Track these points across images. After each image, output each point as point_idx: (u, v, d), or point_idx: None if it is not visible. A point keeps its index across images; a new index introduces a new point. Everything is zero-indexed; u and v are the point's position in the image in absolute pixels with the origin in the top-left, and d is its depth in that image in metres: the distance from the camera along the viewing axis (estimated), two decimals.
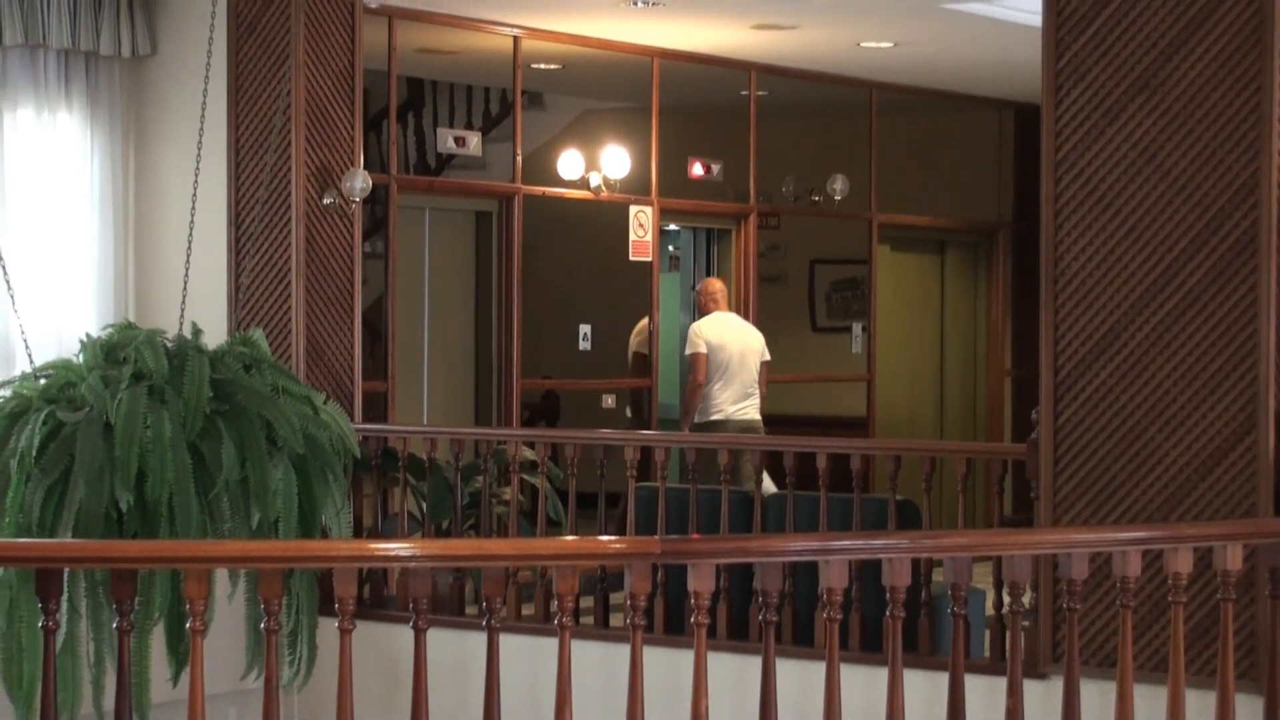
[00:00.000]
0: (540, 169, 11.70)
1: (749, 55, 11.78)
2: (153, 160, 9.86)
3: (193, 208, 7.57)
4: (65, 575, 4.93)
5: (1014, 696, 5.01)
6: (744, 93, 12.29)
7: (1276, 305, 7.06)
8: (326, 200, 9.41)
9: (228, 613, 5.25)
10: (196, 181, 7.63)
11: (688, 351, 11.45)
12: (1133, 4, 7.27)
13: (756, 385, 11.46)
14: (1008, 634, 5.32)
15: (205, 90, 7.49)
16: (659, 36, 11.15)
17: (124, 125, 9.83)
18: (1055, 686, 5.37)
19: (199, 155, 7.40)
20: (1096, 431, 7.33)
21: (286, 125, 9.27)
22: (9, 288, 7.00)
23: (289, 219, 9.34)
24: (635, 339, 11.99)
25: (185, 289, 6.90)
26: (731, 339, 11.45)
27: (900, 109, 13.26)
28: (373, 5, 9.76)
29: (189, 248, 7.28)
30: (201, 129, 8.07)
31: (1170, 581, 5.12)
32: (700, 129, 12.74)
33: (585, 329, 12.26)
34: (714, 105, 12.60)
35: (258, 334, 6.00)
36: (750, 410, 11.44)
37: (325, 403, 5.89)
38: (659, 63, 11.56)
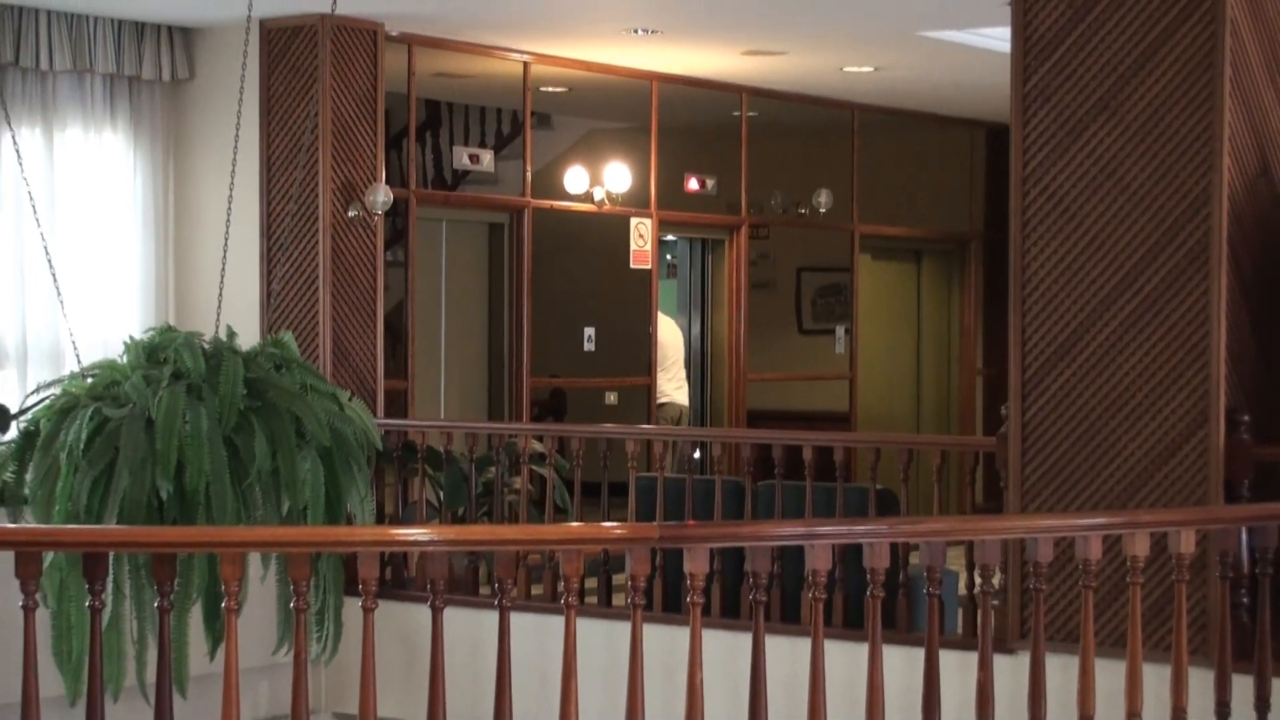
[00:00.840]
0: (548, 184, 11.70)
1: (740, 79, 11.77)
2: (190, 176, 9.86)
3: (227, 219, 7.54)
4: (110, 558, 4.93)
5: (984, 670, 5.01)
6: (736, 113, 12.28)
7: (1227, 310, 7.06)
8: (351, 213, 9.41)
9: (260, 593, 5.23)
10: (231, 195, 7.60)
11: None
12: (1094, 31, 7.27)
13: (684, 375, 12.43)
14: (979, 612, 5.31)
15: (239, 111, 7.46)
16: (657, 62, 11.14)
17: (164, 144, 9.83)
18: (1023, 661, 5.37)
19: (233, 171, 7.37)
20: (1061, 426, 7.32)
21: (314, 144, 9.26)
22: (59, 294, 6.99)
23: (316, 230, 9.34)
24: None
25: (221, 295, 6.88)
26: (669, 339, 12.11)
27: (880, 128, 13.25)
28: (393, 33, 9.75)
29: (224, 256, 7.26)
30: (235, 147, 8.02)
31: (1129, 564, 5.11)
32: (695, 147, 12.73)
33: (590, 331, 12.25)
34: (708, 125, 12.59)
35: (288, 336, 5.98)
36: (683, 395, 12.34)
37: (350, 399, 5.86)
38: (657, 86, 11.55)
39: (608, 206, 11.70)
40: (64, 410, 5.51)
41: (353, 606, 4.89)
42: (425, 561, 4.73)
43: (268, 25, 9.38)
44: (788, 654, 5.39)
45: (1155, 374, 7.14)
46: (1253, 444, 7.07)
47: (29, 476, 5.56)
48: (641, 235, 11.86)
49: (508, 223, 11.35)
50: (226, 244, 7.36)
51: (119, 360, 5.72)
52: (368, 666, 4.57)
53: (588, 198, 11.67)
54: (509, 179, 11.65)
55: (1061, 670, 5.19)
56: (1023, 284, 7.43)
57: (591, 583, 8.39)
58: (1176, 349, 7.11)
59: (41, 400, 5.72)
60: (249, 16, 7.16)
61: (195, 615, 5.45)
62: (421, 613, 4.88)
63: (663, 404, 12.05)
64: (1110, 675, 5.13)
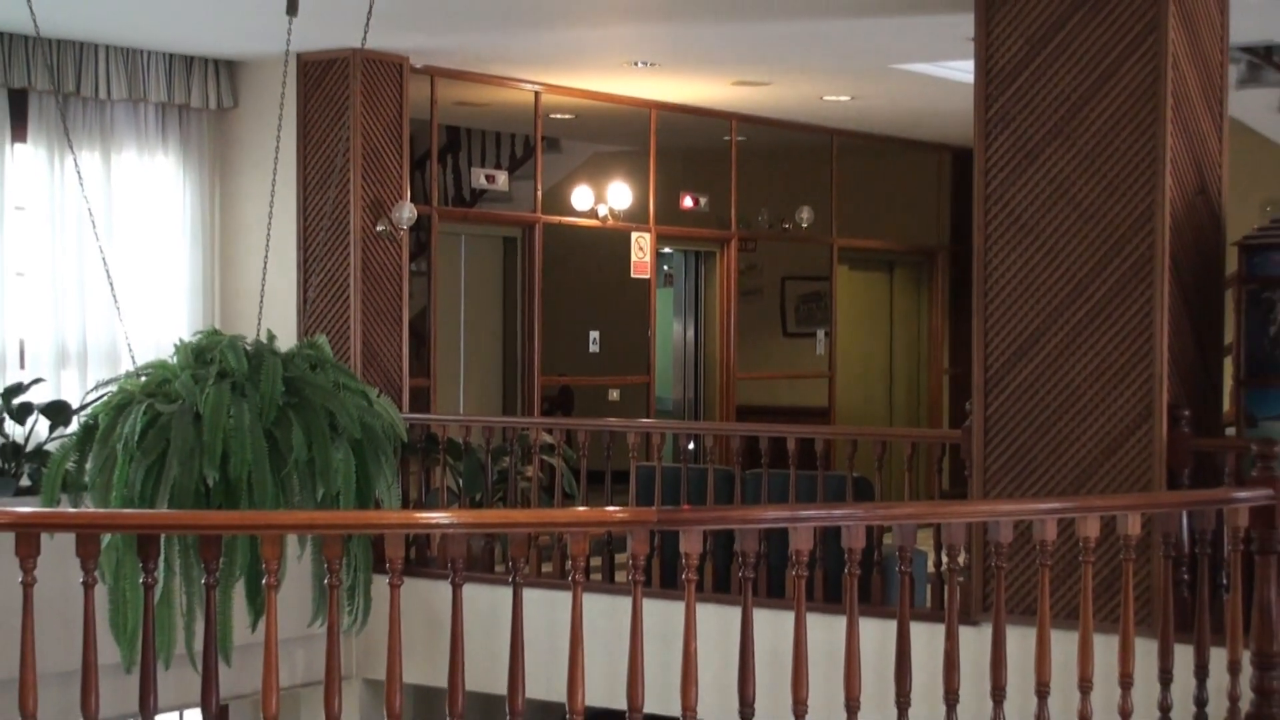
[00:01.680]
0: (557, 201, 11.69)
1: (730, 107, 11.77)
2: (234, 194, 9.86)
3: (268, 234, 7.53)
4: (162, 540, 4.92)
5: (951, 640, 5.01)
6: (726, 138, 12.28)
7: (1169, 315, 7.06)
8: (379, 228, 9.40)
9: (297, 570, 5.23)
10: (271, 212, 7.58)
11: None
12: (1049, 64, 7.26)
13: None
14: (946, 588, 5.31)
15: (278, 136, 7.47)
16: (655, 92, 11.14)
17: (210, 165, 9.83)
18: (985, 631, 5.37)
19: (273, 190, 7.37)
20: (1019, 420, 7.32)
21: (346, 165, 9.26)
22: (115, 301, 6.98)
23: (348, 243, 9.33)
24: None
25: (261, 301, 6.87)
26: None
27: (856, 151, 13.25)
28: (418, 66, 9.75)
29: (264, 267, 7.25)
30: (275, 168, 8.01)
31: (1081, 544, 5.11)
32: (690, 168, 12.73)
33: (594, 334, 12.25)
34: (701, 149, 12.59)
35: (322, 339, 5.97)
36: None
37: (378, 396, 5.85)
38: (655, 113, 11.55)
39: (611, 222, 11.69)
40: (120, 406, 5.51)
41: (381, 583, 4.89)
42: (446, 542, 4.72)
43: (304, 58, 9.38)
44: (773, 625, 5.38)
45: (1104, 373, 7.13)
46: (1192, 436, 7.07)
47: (89, 466, 5.56)
48: (641, 248, 11.85)
49: (520, 237, 11.35)
50: (267, 256, 7.35)
51: (170, 360, 5.72)
52: (394, 637, 4.57)
53: (593, 214, 11.66)
54: (522, 197, 11.65)
55: (1020, 640, 5.19)
56: (985, 292, 7.43)
57: (596, 561, 8.38)
58: (1124, 350, 7.11)
59: (100, 397, 5.72)
60: (287, 51, 7.14)
61: (238, 591, 5.44)
62: (443, 589, 4.86)
63: None
64: (1064, 645, 5.12)
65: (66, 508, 5.56)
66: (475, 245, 11.65)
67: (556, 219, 11.43)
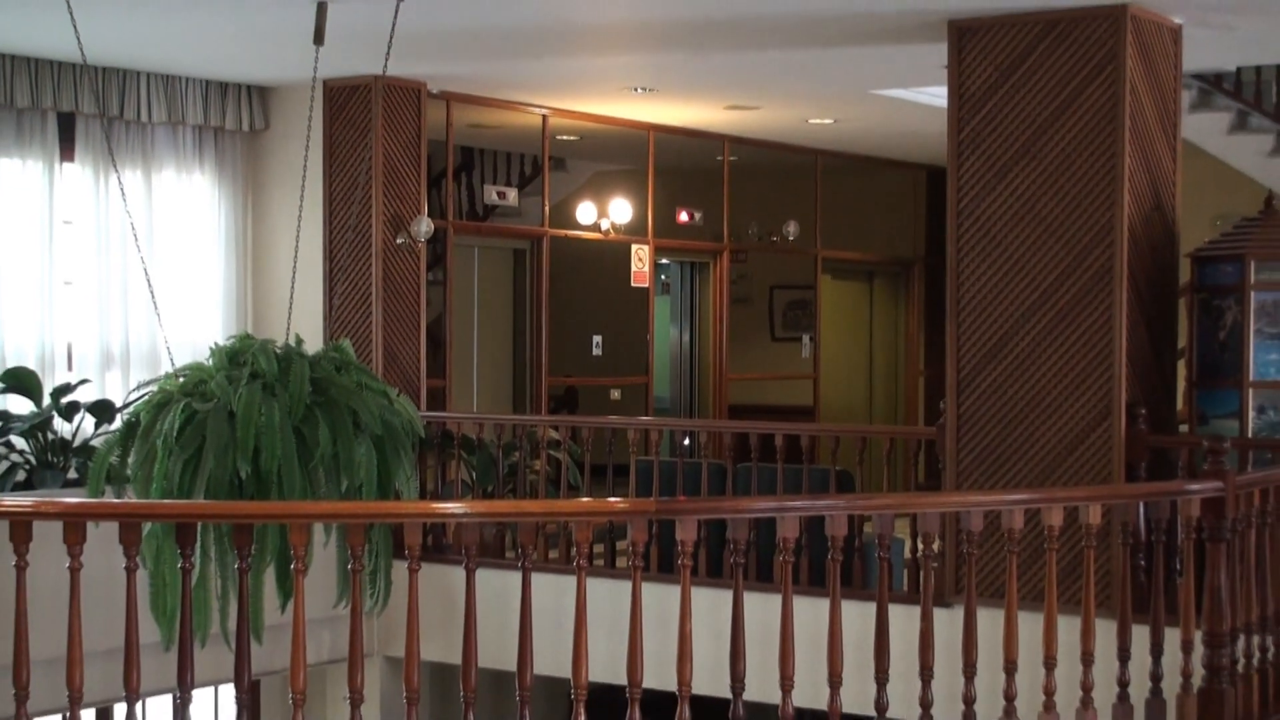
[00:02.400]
0: (563, 216, 11.69)
1: (723, 129, 11.77)
2: (265, 209, 9.85)
3: (296, 246, 7.54)
4: (198, 528, 4.92)
5: (926, 620, 5.00)
6: (719, 158, 12.27)
7: (1127, 321, 7.06)
8: (399, 240, 9.40)
9: (322, 556, 5.22)
10: (299, 226, 7.58)
11: None
12: (1016, 90, 7.27)
13: None
14: (921, 572, 5.31)
15: (305, 156, 7.46)
16: (654, 115, 11.14)
17: (244, 183, 9.83)
18: (958, 613, 5.37)
19: (301, 205, 7.36)
20: (989, 418, 7.32)
21: (368, 183, 9.26)
22: (155, 307, 6.97)
23: (370, 254, 9.33)
24: None
25: (290, 308, 6.87)
26: None
27: (839, 170, 13.25)
28: (434, 91, 9.74)
29: (293, 276, 7.25)
30: (303, 185, 8.01)
31: (1046, 532, 5.11)
32: (685, 185, 12.73)
33: (597, 339, 12.25)
34: (696, 167, 12.59)
35: (346, 343, 5.96)
36: None
37: (398, 396, 5.84)
38: (653, 135, 11.54)
39: (612, 235, 11.69)
40: (160, 404, 5.50)
41: (400, 568, 4.88)
42: (460, 530, 4.72)
43: (330, 84, 9.38)
44: (762, 607, 5.37)
45: (1068, 374, 7.14)
46: (1148, 433, 7.07)
47: (131, 460, 5.55)
48: (640, 259, 11.85)
49: (529, 249, 11.35)
50: (295, 266, 7.36)
51: (206, 363, 5.71)
52: (413, 618, 4.57)
53: (596, 228, 11.66)
54: (530, 212, 11.65)
55: (990, 621, 5.19)
56: (957, 300, 7.43)
57: (599, 548, 8.38)
58: (1085, 353, 7.11)
59: (141, 396, 5.71)
60: (314, 78, 7.14)
61: (269, 575, 5.43)
62: (457, 573, 4.86)
63: None
64: (1030, 625, 5.12)
65: (110, 499, 5.55)
66: (487, 257, 11.65)
67: (562, 232, 11.43)
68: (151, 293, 6.76)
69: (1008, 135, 7.30)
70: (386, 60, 6.57)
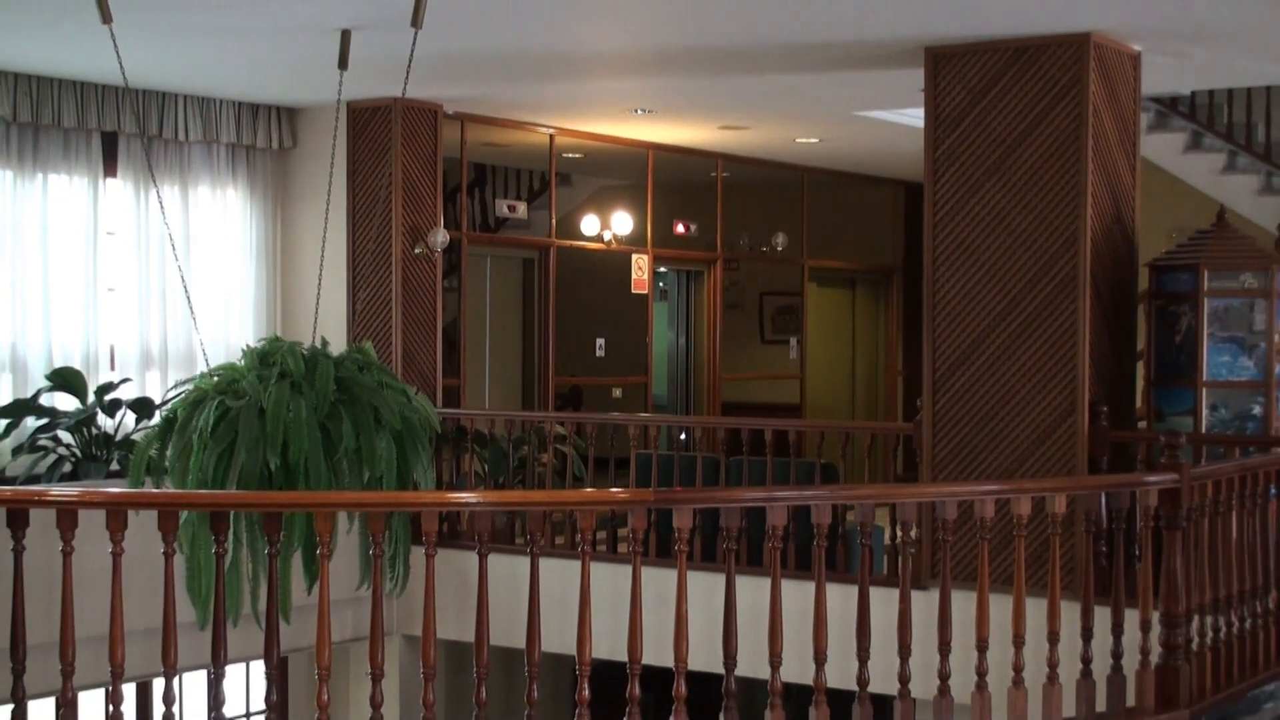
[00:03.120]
0: (569, 228, 11.69)
1: (716, 147, 11.77)
2: (293, 221, 9.85)
3: (321, 255, 7.54)
4: (231, 516, 4.92)
5: (904, 602, 5.01)
6: (712, 174, 12.27)
7: (1090, 326, 7.06)
8: (416, 250, 9.40)
9: (346, 542, 5.22)
10: (324, 236, 7.59)
11: None
12: (987, 112, 7.27)
13: None
14: (900, 558, 5.30)
15: (330, 172, 7.48)
16: (653, 135, 11.14)
17: (273, 197, 9.83)
18: (933, 595, 5.37)
19: (326, 218, 7.37)
20: (963, 415, 7.32)
21: (388, 197, 9.26)
22: (192, 312, 6.97)
23: (390, 263, 9.33)
24: None
25: (316, 312, 6.87)
26: None
27: (824, 186, 13.25)
28: (450, 112, 9.74)
29: (319, 283, 7.25)
30: (328, 199, 8.04)
31: (1015, 521, 5.11)
32: (681, 200, 12.73)
33: (600, 341, 12.25)
34: (691, 183, 12.59)
35: (368, 345, 5.96)
36: None
37: (415, 393, 5.84)
38: (652, 153, 11.55)
39: (614, 245, 11.68)
40: (195, 402, 5.50)
41: (417, 553, 4.88)
42: (474, 518, 4.72)
43: (353, 106, 9.38)
44: (753, 590, 5.37)
45: (1035, 375, 7.14)
46: (1109, 429, 7.07)
47: (168, 453, 5.55)
48: (640, 267, 11.85)
49: (537, 258, 11.35)
50: (321, 274, 7.35)
51: (238, 363, 5.71)
52: (429, 599, 4.57)
53: (599, 239, 11.66)
54: (538, 224, 11.66)
55: (963, 602, 5.19)
56: (933, 305, 7.43)
57: (602, 535, 8.38)
58: (1051, 356, 7.11)
59: (178, 394, 5.71)
60: (339, 100, 7.14)
61: (296, 560, 5.43)
62: (471, 558, 4.85)
63: None
64: (1000, 607, 5.12)
65: (150, 489, 5.55)
66: (499, 265, 11.64)
67: (568, 243, 11.43)
68: (188, 298, 6.77)
69: (980, 153, 7.30)
70: (405, 84, 6.57)
